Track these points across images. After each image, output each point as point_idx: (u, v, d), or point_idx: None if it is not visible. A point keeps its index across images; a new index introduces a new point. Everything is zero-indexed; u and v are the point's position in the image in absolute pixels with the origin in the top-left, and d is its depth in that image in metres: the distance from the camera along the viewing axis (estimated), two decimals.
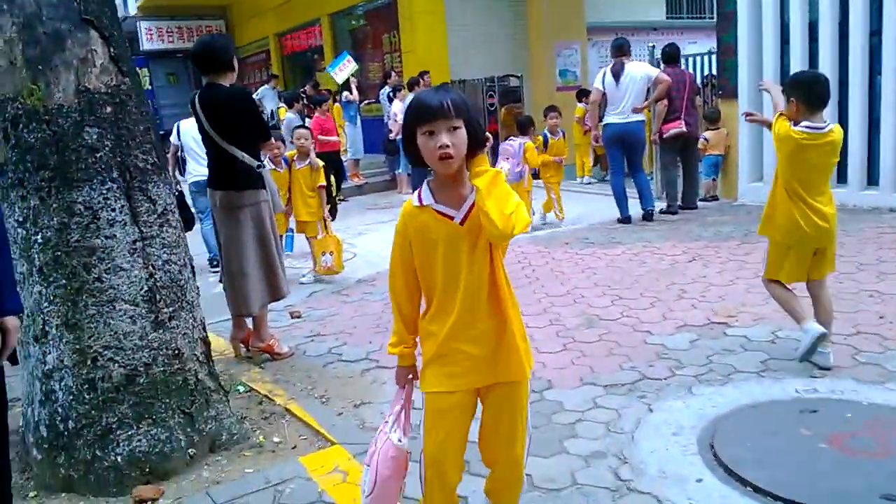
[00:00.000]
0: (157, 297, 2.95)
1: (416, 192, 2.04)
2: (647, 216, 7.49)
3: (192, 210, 6.37)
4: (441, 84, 11.78)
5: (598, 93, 7.59)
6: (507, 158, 7.68)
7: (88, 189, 2.86)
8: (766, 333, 4.09)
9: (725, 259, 5.70)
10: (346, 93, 12.33)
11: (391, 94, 12.21)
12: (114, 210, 2.89)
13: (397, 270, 2.09)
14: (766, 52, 7.88)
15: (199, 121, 4.07)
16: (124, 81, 3.03)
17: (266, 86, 15.61)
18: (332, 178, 6.56)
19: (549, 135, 8.12)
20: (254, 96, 15.61)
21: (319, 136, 10.22)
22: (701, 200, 8.32)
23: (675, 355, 3.86)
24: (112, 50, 2.99)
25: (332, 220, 6.63)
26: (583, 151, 11.37)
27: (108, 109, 2.95)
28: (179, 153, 7.01)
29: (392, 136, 11.66)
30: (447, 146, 1.87)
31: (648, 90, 7.43)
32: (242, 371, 4.00)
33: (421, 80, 12.13)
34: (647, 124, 8.12)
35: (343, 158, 12.07)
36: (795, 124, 3.49)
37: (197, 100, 4.09)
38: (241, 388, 3.70)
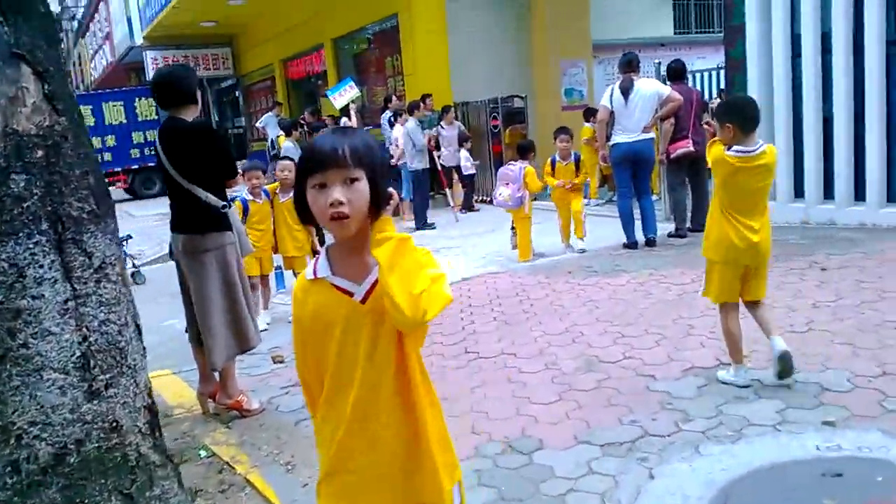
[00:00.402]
0: (92, 363, 2.63)
1: (313, 262, 1.64)
2: (650, 243, 7.15)
3: None
4: (340, 126, 11.47)
5: (606, 111, 7.24)
6: (507, 184, 7.38)
7: (13, 244, 2.55)
8: None
9: None
10: (344, 119, 12.10)
11: (392, 119, 11.98)
12: (42, 266, 2.58)
13: (301, 358, 1.71)
14: (777, 66, 7.54)
15: (158, 159, 3.78)
16: (59, 121, 2.73)
17: (269, 113, 15.46)
18: None
19: (558, 159, 7.52)
20: (257, 124, 15.67)
21: None
22: None
23: (680, 405, 3.50)
24: (46, 87, 2.70)
25: None
26: (589, 173, 11.02)
27: (39, 153, 2.65)
28: None
29: (393, 161, 11.40)
30: (340, 203, 1.49)
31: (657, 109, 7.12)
32: (207, 431, 3.68)
33: (422, 104, 11.91)
34: (656, 143, 7.79)
35: None
36: (728, 148, 3.54)
37: (157, 136, 3.82)
38: (203, 454, 3.38)
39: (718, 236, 3.63)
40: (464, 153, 11.63)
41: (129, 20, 21.47)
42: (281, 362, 5.07)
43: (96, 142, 21.07)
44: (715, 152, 3.59)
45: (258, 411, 3.85)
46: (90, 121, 20.98)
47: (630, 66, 7.22)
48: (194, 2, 16.83)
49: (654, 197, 7.93)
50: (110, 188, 17.03)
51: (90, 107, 20.99)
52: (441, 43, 12.84)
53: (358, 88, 12.65)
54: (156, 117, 21.81)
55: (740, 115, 3.52)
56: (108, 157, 21.17)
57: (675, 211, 7.64)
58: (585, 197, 10.22)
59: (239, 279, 3.76)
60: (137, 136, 21.61)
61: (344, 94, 12.46)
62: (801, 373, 3.66)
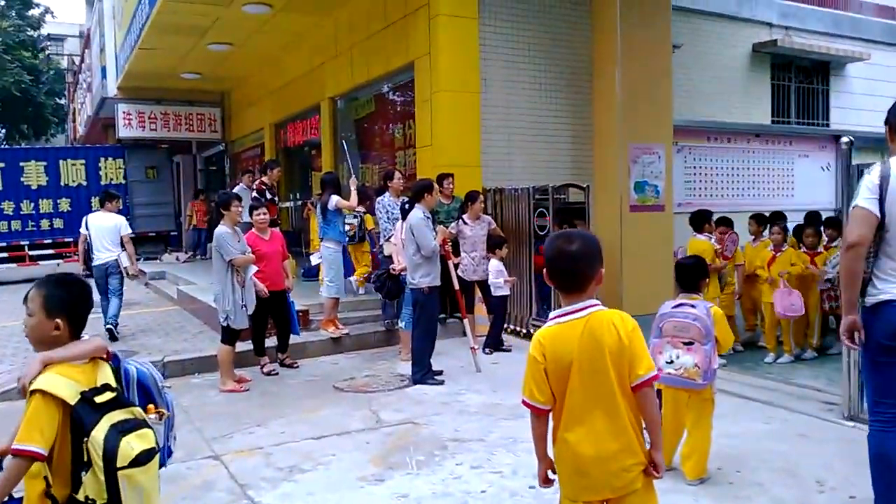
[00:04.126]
0: None
1: None
2: None
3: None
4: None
5: (871, 222, 3.14)
6: (691, 343, 3.89)
7: None
8: None
9: None
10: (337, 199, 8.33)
11: (390, 205, 8.22)
12: None
13: None
14: None
15: None
16: None
17: (240, 185, 11.76)
18: (94, 437, 2.20)
19: None
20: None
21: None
22: None
23: None
24: None
25: None
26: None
27: None
28: (88, 241, 8.85)
29: (394, 268, 7.55)
30: None
31: None
32: None
33: (441, 187, 8.18)
34: None
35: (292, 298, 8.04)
36: None
37: None
38: None
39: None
40: (495, 264, 7.79)
41: (103, 69, 18.30)
42: None
43: (47, 205, 17.56)
44: None
45: None
46: (42, 180, 17.54)
47: None
48: (168, 44, 13.51)
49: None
50: (60, 261, 12.88)
51: (43, 163, 17.55)
52: (471, 107, 9.21)
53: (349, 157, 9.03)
54: (123, 181, 18.36)
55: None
56: (58, 223, 17.59)
57: None
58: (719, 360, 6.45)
59: None
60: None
61: (347, 162, 9.03)
62: None
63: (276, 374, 7.14)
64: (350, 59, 11.53)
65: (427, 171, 8.91)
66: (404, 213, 7.02)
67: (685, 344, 3.96)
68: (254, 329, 7.14)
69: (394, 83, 10.75)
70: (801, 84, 12.91)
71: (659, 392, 4.24)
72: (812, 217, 8.27)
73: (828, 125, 13.11)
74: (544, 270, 2.48)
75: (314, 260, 8.67)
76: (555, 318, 2.44)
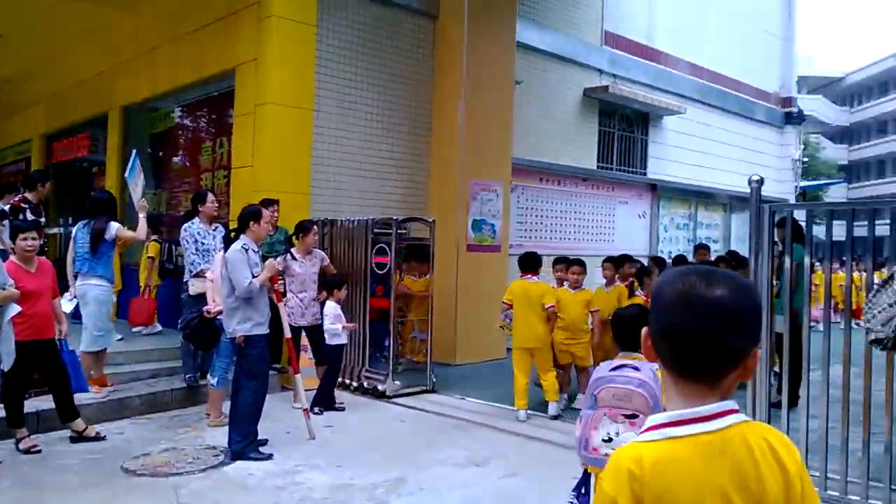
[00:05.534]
0: None
1: None
2: None
3: None
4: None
5: None
6: (634, 418, 3.02)
7: None
8: None
9: None
10: (118, 227, 6.66)
11: (198, 234, 6.79)
12: None
13: None
14: None
15: None
16: None
17: None
18: None
19: None
20: None
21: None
22: None
23: None
24: None
25: None
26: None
27: None
28: None
29: (209, 310, 6.09)
30: None
31: None
32: None
33: (265, 213, 6.82)
34: None
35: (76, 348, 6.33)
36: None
37: None
38: None
39: None
40: (332, 307, 6.63)
41: None
42: None
43: None
44: None
45: None
46: None
47: None
48: None
49: None
50: None
51: None
52: (302, 125, 8.03)
53: (144, 175, 7.40)
54: None
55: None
56: None
57: None
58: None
59: None
60: None
61: (138, 182, 7.23)
62: None
63: (39, 451, 5.34)
64: (153, 61, 9.86)
65: (245, 196, 7.54)
66: (228, 244, 5.63)
67: (627, 417, 3.08)
68: (8, 390, 5.33)
69: (206, 92, 9.25)
70: (623, 132, 13.14)
71: (588, 476, 3.33)
72: (667, 261, 8.01)
73: (645, 174, 13.44)
74: (645, 330, 1.34)
75: (66, 305, 6.36)
76: (661, 426, 1.30)
